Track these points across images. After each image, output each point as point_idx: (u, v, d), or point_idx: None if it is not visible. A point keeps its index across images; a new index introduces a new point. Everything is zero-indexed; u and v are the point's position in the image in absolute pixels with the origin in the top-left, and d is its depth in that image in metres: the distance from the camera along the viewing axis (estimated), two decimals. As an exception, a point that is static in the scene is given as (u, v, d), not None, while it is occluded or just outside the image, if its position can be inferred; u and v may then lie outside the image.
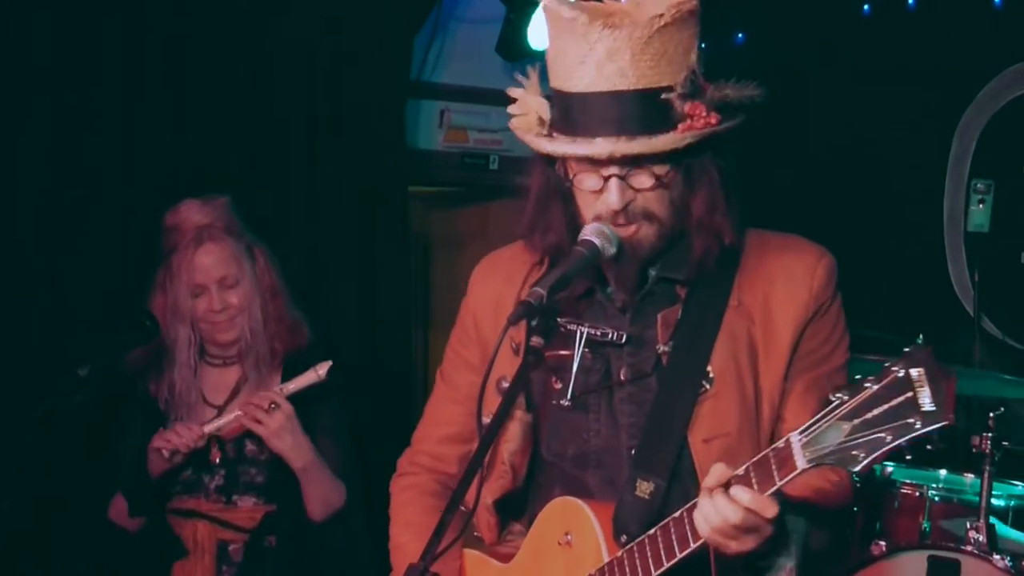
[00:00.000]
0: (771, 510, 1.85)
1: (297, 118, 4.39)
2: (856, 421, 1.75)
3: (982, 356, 4.52)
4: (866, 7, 5.00)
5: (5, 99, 3.81)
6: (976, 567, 3.59)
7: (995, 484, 3.77)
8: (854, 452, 1.74)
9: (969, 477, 3.99)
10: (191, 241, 3.24)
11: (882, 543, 3.79)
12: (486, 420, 2.08)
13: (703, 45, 2.10)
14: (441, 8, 4.89)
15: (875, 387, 1.75)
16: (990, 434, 3.66)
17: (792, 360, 2.11)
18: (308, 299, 3.53)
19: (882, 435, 1.72)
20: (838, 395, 1.78)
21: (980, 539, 3.65)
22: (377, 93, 4.56)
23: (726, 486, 1.86)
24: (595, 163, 2.08)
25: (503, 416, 2.02)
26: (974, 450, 3.71)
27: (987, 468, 3.71)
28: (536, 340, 1.99)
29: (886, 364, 1.75)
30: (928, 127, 4.84)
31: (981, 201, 4.10)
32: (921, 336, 4.17)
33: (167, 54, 4.09)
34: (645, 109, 2.02)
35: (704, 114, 2.02)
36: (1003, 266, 4.48)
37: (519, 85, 2.21)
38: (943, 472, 4.11)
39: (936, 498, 3.91)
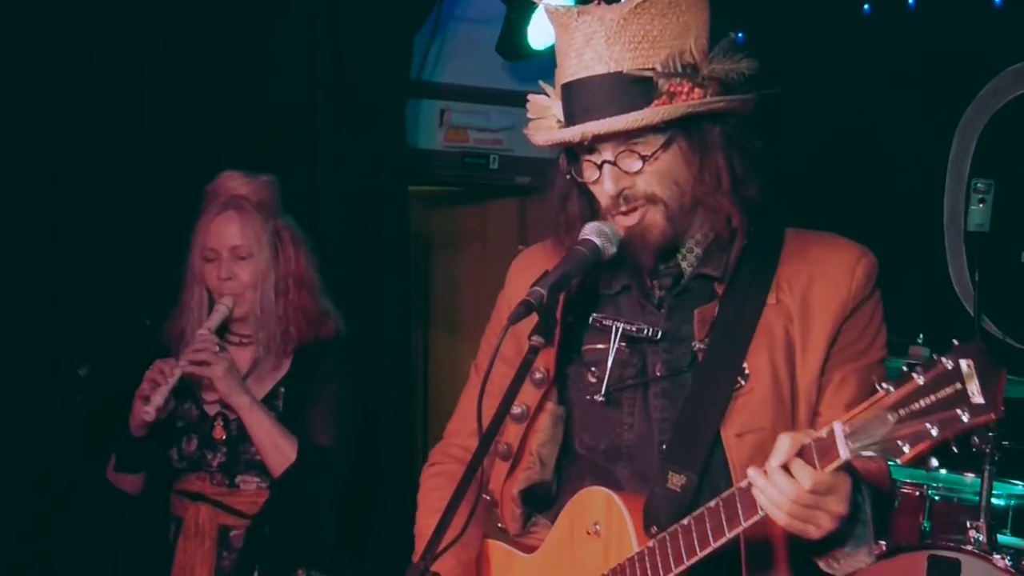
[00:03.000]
0: (842, 486, 1.83)
1: (297, 118, 4.39)
2: (902, 412, 1.72)
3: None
4: (866, 7, 5.00)
5: (4, 98, 3.81)
6: (976, 567, 3.59)
7: (995, 484, 3.77)
8: (899, 443, 1.72)
9: (969, 477, 3.99)
10: (216, 207, 3.26)
11: (882, 543, 3.78)
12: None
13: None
14: (441, 8, 4.89)
15: (922, 378, 1.72)
16: (990, 434, 3.66)
17: (828, 356, 2.10)
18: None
19: (928, 426, 1.69)
20: (883, 385, 1.76)
21: (980, 539, 3.65)
22: (377, 93, 4.56)
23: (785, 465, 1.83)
24: (588, 151, 2.08)
25: (505, 410, 2.01)
26: (974, 449, 3.71)
27: (987, 468, 3.71)
28: (536, 339, 1.99)
29: (934, 356, 1.72)
30: (928, 127, 4.84)
31: (981, 201, 4.08)
32: (921, 336, 4.17)
33: (167, 54, 4.09)
34: (623, 91, 2.01)
35: (687, 91, 2.00)
36: (1003, 266, 4.47)
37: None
38: (943, 472, 4.11)
39: (936, 498, 3.92)
